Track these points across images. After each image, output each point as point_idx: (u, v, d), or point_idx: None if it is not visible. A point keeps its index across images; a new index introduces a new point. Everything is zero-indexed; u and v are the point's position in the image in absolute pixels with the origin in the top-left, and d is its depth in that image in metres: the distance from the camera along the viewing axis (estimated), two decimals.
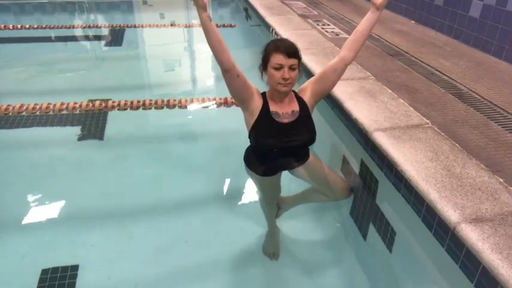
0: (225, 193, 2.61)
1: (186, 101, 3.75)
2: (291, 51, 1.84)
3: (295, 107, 1.99)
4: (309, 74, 3.46)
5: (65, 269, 2.07)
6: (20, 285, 2.02)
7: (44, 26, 6.17)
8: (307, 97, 2.03)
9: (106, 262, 2.16)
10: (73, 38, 6.08)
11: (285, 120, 1.95)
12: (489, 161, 2.18)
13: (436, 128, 2.50)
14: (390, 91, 3.03)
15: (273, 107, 1.95)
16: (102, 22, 6.95)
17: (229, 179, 2.76)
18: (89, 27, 6.76)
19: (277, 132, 1.93)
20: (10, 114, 3.49)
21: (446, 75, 3.43)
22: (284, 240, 2.35)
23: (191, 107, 3.68)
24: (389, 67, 3.57)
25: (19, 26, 6.09)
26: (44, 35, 5.93)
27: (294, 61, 1.84)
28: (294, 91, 2.03)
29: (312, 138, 2.03)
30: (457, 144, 2.33)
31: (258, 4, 6.18)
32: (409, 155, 2.20)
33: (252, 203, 2.57)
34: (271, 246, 2.29)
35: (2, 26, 6.00)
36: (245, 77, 1.92)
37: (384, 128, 2.49)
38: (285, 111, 1.96)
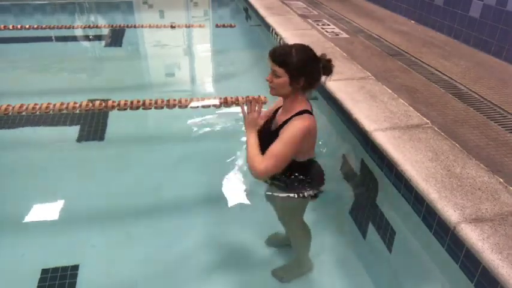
0: (225, 193, 2.61)
1: (186, 101, 3.75)
2: (275, 56, 1.79)
3: (282, 121, 1.90)
4: None
5: (65, 268, 2.07)
6: (20, 285, 2.01)
7: (44, 26, 6.17)
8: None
9: (106, 262, 2.16)
10: (73, 38, 6.08)
11: (271, 128, 1.96)
12: (489, 161, 2.18)
13: (436, 128, 2.51)
14: (390, 91, 3.04)
15: (279, 113, 1.99)
16: (102, 22, 6.94)
17: (230, 179, 2.76)
18: (89, 27, 6.76)
19: (260, 136, 1.92)
20: (10, 114, 3.49)
21: (446, 75, 3.43)
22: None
23: (191, 107, 3.68)
24: (389, 67, 3.57)
25: (19, 26, 6.09)
26: (44, 35, 5.93)
27: (276, 67, 1.78)
28: (300, 113, 1.86)
29: None
30: (457, 144, 2.33)
31: (258, 4, 6.18)
32: (409, 155, 2.20)
33: (252, 203, 2.57)
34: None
35: (2, 26, 6.00)
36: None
37: (384, 128, 2.49)
38: (279, 119, 1.95)
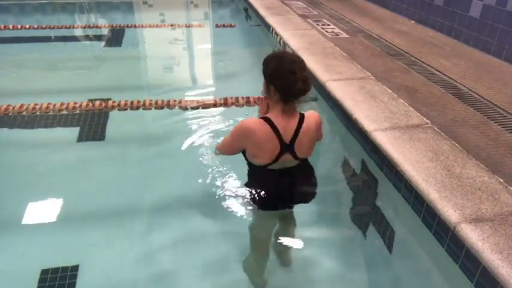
0: (226, 193, 2.61)
1: (186, 101, 3.75)
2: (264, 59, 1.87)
3: None
4: (309, 74, 3.46)
5: (65, 269, 2.07)
6: (20, 285, 2.01)
7: (44, 26, 6.17)
8: None
9: (106, 262, 2.16)
10: (73, 38, 6.07)
11: None
12: (489, 161, 2.18)
13: (436, 128, 2.51)
14: (390, 91, 3.04)
15: None
16: (102, 22, 6.94)
17: (230, 179, 2.76)
18: (89, 27, 6.76)
19: None
20: (10, 114, 3.49)
21: (446, 75, 3.43)
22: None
23: (191, 107, 3.68)
24: (389, 67, 3.58)
25: (19, 26, 6.09)
26: (44, 35, 5.93)
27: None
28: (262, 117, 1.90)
29: None
30: (457, 144, 2.33)
31: (258, 4, 6.18)
32: (409, 155, 2.20)
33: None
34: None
35: (2, 26, 6.00)
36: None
37: (384, 128, 2.49)
38: None
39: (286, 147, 1.87)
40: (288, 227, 2.25)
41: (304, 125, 1.87)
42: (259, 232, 2.19)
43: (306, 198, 2.12)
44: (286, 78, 1.76)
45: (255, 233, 2.18)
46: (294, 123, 1.87)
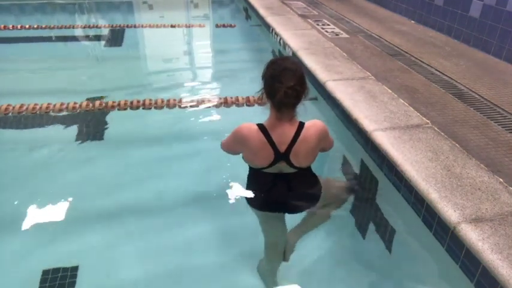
0: (225, 193, 2.61)
1: (186, 100, 3.75)
2: None
3: None
4: (309, 74, 3.46)
5: (65, 269, 2.07)
6: (20, 285, 2.01)
7: (44, 26, 6.17)
8: None
9: (106, 262, 2.16)
10: (73, 38, 6.07)
11: None
12: (489, 161, 2.18)
13: (436, 128, 2.51)
14: (390, 91, 3.04)
15: None
16: (102, 22, 6.94)
17: (229, 179, 2.76)
18: (89, 27, 6.76)
19: None
20: (10, 114, 3.49)
21: (446, 75, 3.43)
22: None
23: (191, 107, 3.68)
24: (389, 67, 3.58)
25: (19, 26, 6.09)
26: (44, 35, 5.93)
27: None
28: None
29: None
30: (457, 144, 2.33)
31: (258, 4, 6.18)
32: (409, 155, 2.20)
33: None
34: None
35: (2, 26, 6.00)
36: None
37: (384, 128, 2.49)
38: None
39: (281, 156, 1.84)
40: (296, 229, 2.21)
41: (301, 135, 1.81)
42: (268, 234, 2.17)
43: (303, 207, 2.11)
44: (271, 86, 1.72)
45: (264, 235, 2.17)
46: (291, 132, 1.81)
